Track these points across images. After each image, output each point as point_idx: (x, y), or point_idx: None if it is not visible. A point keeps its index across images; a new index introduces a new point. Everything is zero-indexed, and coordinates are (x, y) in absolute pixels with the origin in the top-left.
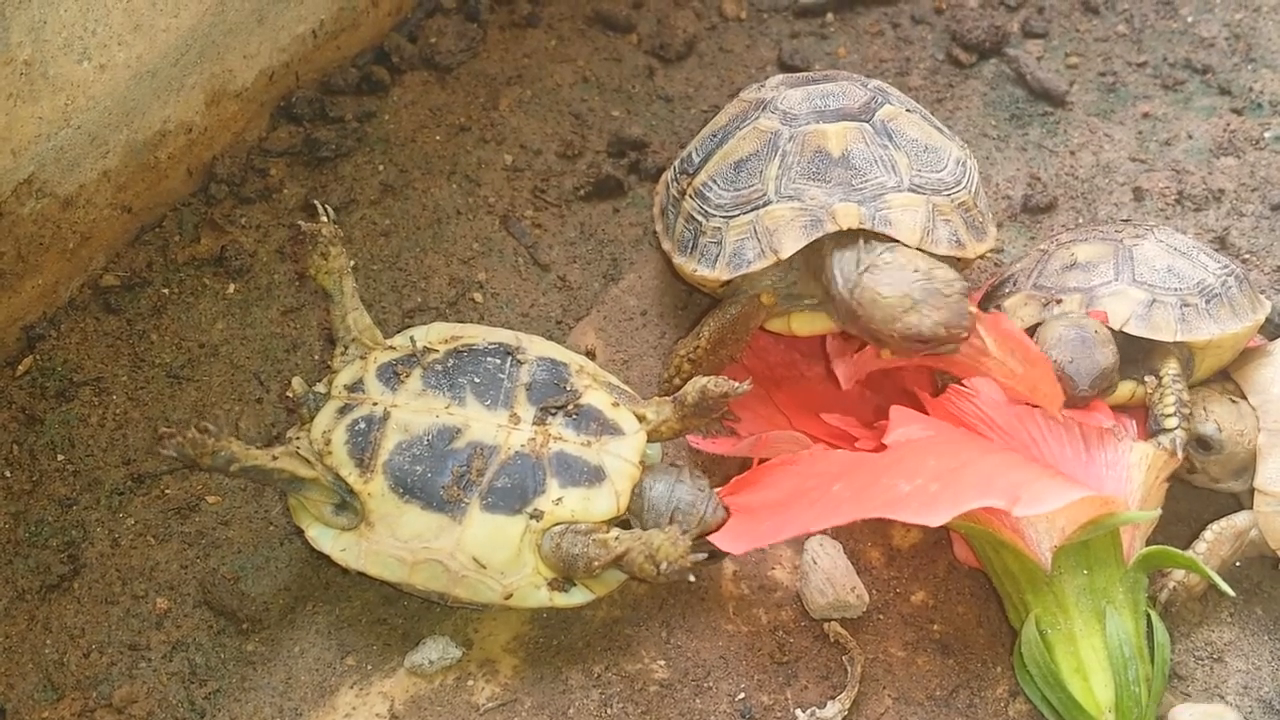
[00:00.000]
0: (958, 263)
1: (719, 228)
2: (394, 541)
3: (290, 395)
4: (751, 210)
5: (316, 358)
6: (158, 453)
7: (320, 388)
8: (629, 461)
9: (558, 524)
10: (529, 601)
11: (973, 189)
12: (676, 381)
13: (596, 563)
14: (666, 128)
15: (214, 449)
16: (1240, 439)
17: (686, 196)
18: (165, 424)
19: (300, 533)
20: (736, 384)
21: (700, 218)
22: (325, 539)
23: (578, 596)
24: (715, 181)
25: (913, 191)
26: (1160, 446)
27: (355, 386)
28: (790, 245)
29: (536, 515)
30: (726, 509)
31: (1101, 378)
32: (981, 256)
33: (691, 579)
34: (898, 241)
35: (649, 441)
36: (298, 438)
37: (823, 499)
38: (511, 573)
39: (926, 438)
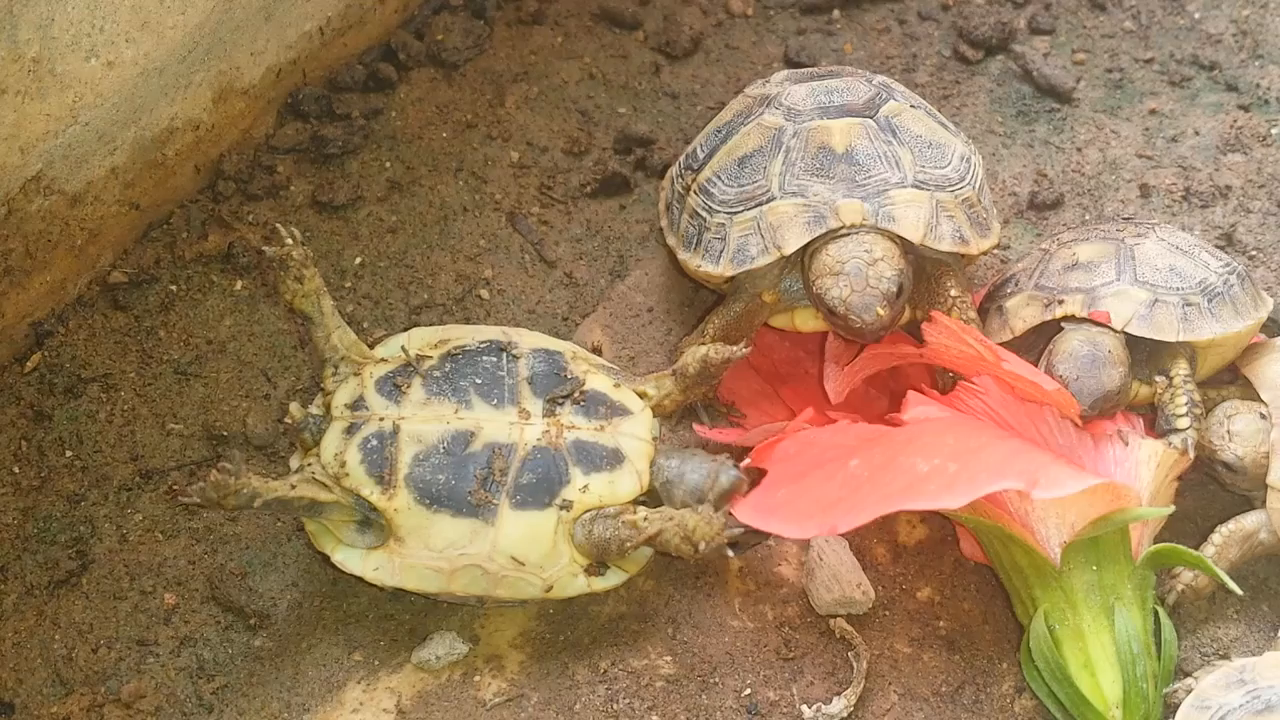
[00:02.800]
0: (961, 259)
1: (723, 224)
2: (428, 553)
3: (288, 421)
4: (755, 206)
5: None
6: (182, 504)
7: (315, 410)
8: (643, 439)
9: (587, 511)
10: (569, 590)
11: (977, 185)
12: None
13: (629, 544)
14: (673, 124)
15: (236, 488)
16: (1265, 461)
17: (691, 192)
18: (174, 420)
19: (326, 558)
20: (736, 348)
21: (704, 213)
22: (354, 560)
23: (613, 578)
24: (719, 177)
25: (916, 187)
26: (1171, 445)
27: (357, 404)
28: (794, 241)
29: (566, 506)
30: (740, 472)
31: (1104, 400)
32: (985, 253)
33: (730, 554)
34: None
35: (652, 417)
36: (308, 463)
37: (841, 476)
38: (550, 566)
39: (944, 417)
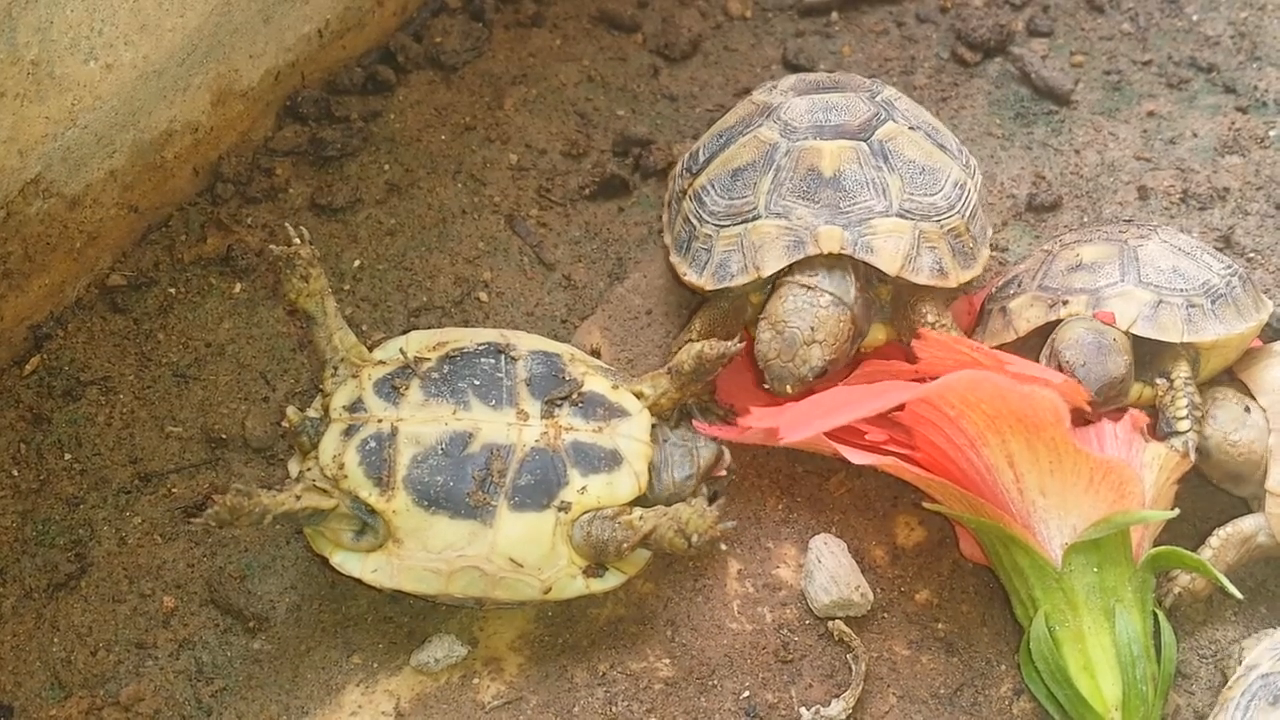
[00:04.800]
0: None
1: (710, 235)
2: (426, 554)
3: (285, 425)
4: (741, 222)
5: None
6: (196, 527)
7: (313, 413)
8: (641, 440)
9: (585, 512)
10: (567, 592)
11: (967, 213)
12: None
13: (627, 545)
14: (671, 127)
15: (248, 509)
16: (1231, 449)
17: (686, 197)
18: (172, 423)
19: (324, 560)
20: (730, 344)
21: (695, 221)
22: (352, 563)
23: (612, 580)
24: (713, 187)
25: (900, 217)
26: (1172, 448)
27: (355, 406)
28: (772, 264)
29: (564, 507)
30: (719, 444)
31: (1110, 386)
32: (965, 284)
33: (723, 547)
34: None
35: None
36: (307, 468)
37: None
38: (548, 567)
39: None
